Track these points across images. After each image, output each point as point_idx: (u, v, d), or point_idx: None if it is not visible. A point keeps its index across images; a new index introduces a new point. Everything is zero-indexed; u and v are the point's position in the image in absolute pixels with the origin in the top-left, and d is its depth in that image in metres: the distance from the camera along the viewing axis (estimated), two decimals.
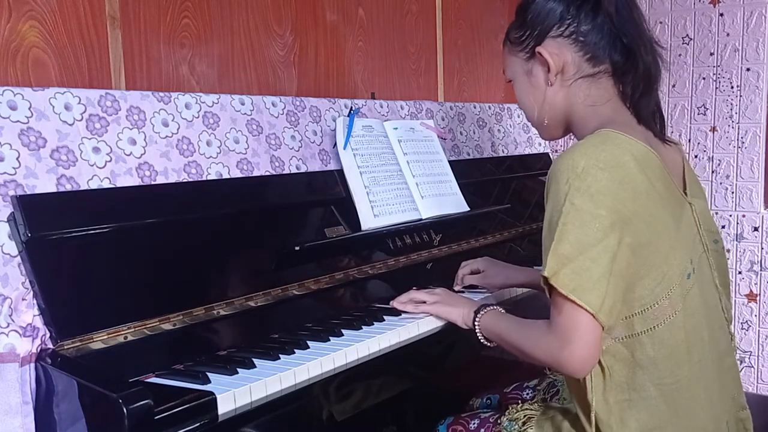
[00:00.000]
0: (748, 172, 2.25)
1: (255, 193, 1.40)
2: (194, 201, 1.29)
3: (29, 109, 1.12)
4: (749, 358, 2.29)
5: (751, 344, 2.29)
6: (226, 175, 1.37)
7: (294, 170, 1.50)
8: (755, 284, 2.27)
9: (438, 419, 1.34)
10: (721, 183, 2.30)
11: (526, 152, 2.27)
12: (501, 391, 1.46)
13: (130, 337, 1.09)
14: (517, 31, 1.16)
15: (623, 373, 1.02)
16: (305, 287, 1.37)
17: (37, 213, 1.06)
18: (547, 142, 2.39)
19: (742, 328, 2.29)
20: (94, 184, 1.17)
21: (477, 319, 1.20)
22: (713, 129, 2.30)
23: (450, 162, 1.80)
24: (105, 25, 1.38)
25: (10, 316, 1.01)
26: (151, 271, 1.18)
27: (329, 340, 1.21)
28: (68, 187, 1.13)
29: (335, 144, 1.58)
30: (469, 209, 1.75)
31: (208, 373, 1.03)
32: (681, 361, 1.02)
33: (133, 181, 1.22)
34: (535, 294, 1.52)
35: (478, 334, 1.21)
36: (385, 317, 1.33)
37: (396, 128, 1.72)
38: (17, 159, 1.09)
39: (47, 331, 1.04)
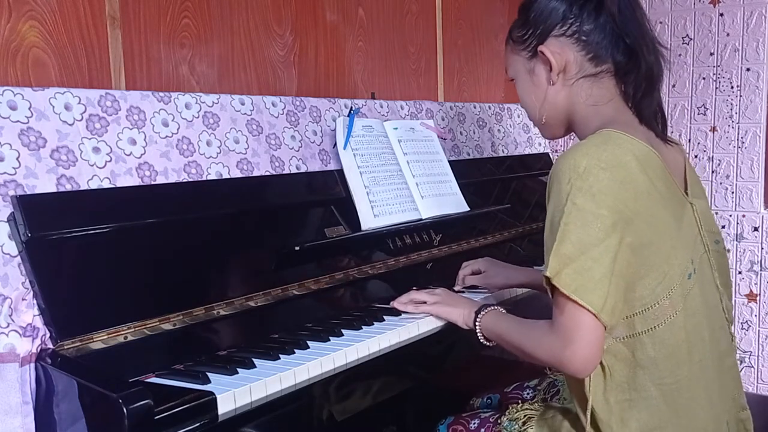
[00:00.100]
0: (748, 172, 2.25)
1: (255, 193, 1.40)
2: (194, 201, 1.29)
3: (29, 109, 1.12)
4: (749, 358, 2.29)
5: (751, 344, 2.29)
6: (226, 175, 1.37)
7: (294, 170, 1.50)
8: (755, 284, 2.27)
9: (438, 419, 1.34)
10: (721, 183, 2.30)
11: (526, 152, 2.27)
12: (501, 390, 1.46)
13: (130, 337, 1.09)
14: (519, 29, 1.16)
15: (624, 372, 1.02)
16: (305, 287, 1.37)
17: (37, 213, 1.06)
18: (547, 142, 2.39)
19: (742, 328, 2.29)
20: (94, 184, 1.17)
21: (478, 320, 1.20)
22: (713, 129, 2.30)
23: (450, 162, 1.80)
24: (105, 25, 1.38)
25: (10, 316, 1.01)
26: (151, 271, 1.18)
27: (329, 340, 1.21)
28: (68, 187, 1.13)
29: (335, 144, 1.58)
30: (469, 209, 1.75)
31: (208, 373, 1.03)
32: (681, 361, 1.02)
33: (133, 181, 1.22)
34: (535, 294, 1.52)
35: (478, 335, 1.20)
36: (385, 317, 1.33)
37: (396, 128, 1.72)
38: (17, 159, 1.09)
39: (47, 331, 1.04)
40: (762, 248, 2.25)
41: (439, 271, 1.64)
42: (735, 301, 2.29)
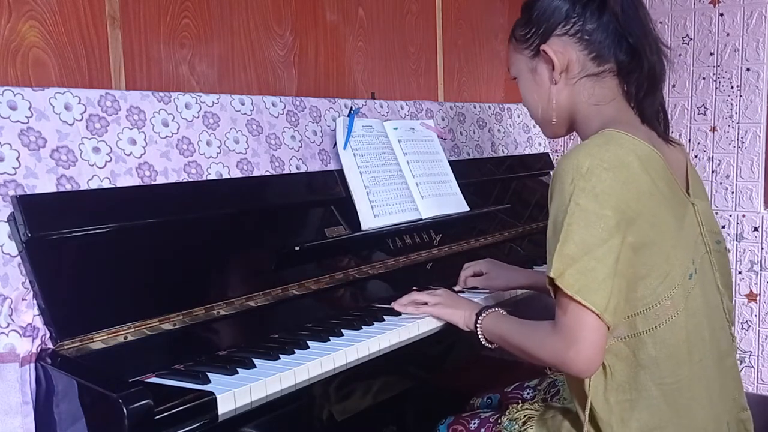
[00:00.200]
0: (748, 172, 2.25)
1: (255, 193, 1.40)
2: (194, 201, 1.29)
3: (29, 109, 1.12)
4: (749, 358, 2.29)
5: (751, 344, 2.29)
6: (226, 175, 1.37)
7: (294, 170, 1.50)
8: (755, 284, 2.27)
9: (438, 419, 1.34)
10: (721, 183, 2.30)
11: (526, 152, 2.27)
12: (501, 390, 1.46)
13: (130, 337, 1.09)
14: (522, 28, 1.16)
15: (625, 372, 1.02)
16: (305, 287, 1.37)
17: (37, 213, 1.06)
18: (547, 142, 2.39)
19: (742, 328, 2.29)
20: (94, 184, 1.16)
21: (479, 322, 1.20)
22: (713, 129, 2.30)
23: (450, 162, 1.80)
24: (105, 25, 1.38)
25: (10, 316, 1.01)
26: (151, 271, 1.18)
27: (329, 340, 1.21)
28: (68, 187, 1.13)
29: (335, 144, 1.58)
30: (469, 209, 1.75)
31: (208, 373, 1.03)
32: (682, 361, 1.02)
33: (133, 181, 1.22)
34: (536, 294, 1.52)
35: (480, 337, 1.20)
36: (385, 317, 1.33)
37: (396, 128, 1.72)
38: (17, 159, 1.09)
39: (47, 331, 1.03)
40: (762, 248, 2.25)
41: (439, 271, 1.64)
42: (735, 301, 2.29)
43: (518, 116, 2.29)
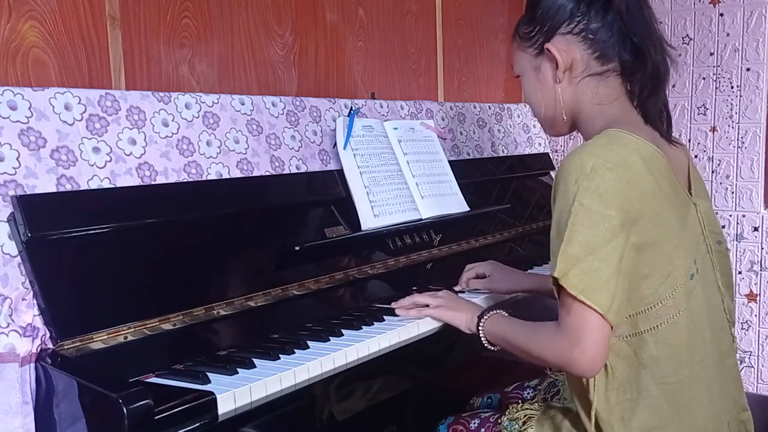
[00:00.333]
0: (748, 172, 2.25)
1: (255, 193, 1.40)
2: (194, 201, 1.29)
3: (29, 109, 1.12)
4: (749, 358, 2.29)
5: (751, 344, 2.29)
6: (226, 175, 1.37)
7: (294, 170, 1.50)
8: (755, 284, 2.27)
9: (438, 419, 1.34)
10: (721, 183, 2.30)
11: (526, 152, 2.27)
12: (502, 390, 1.46)
13: (130, 337, 1.09)
14: (526, 26, 1.15)
15: (626, 372, 1.02)
16: (305, 287, 1.37)
17: (37, 213, 1.06)
18: (546, 142, 2.39)
19: (742, 328, 2.29)
20: (94, 184, 1.16)
21: (480, 325, 1.20)
22: (713, 129, 2.30)
23: (450, 162, 1.80)
24: (105, 25, 1.38)
25: (10, 316, 1.01)
26: (151, 271, 1.18)
27: (329, 340, 1.21)
28: (68, 187, 1.13)
29: (335, 144, 1.58)
30: (469, 209, 1.75)
31: (208, 373, 1.03)
32: (683, 360, 1.02)
33: (133, 181, 1.22)
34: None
35: (482, 339, 1.20)
36: (385, 317, 1.33)
37: (396, 128, 1.72)
38: (17, 159, 1.09)
39: (47, 331, 1.03)
40: (762, 248, 2.25)
41: (439, 271, 1.64)
42: (735, 301, 2.29)
43: (518, 116, 2.29)
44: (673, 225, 1.02)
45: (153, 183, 1.24)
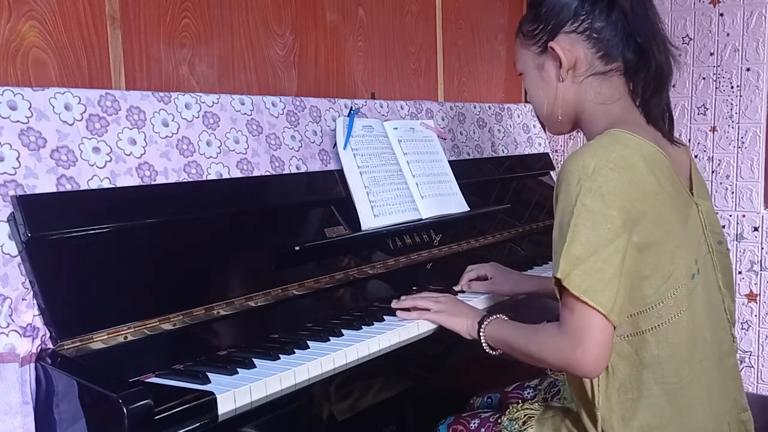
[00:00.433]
0: (748, 172, 2.25)
1: (255, 193, 1.40)
2: (194, 201, 1.29)
3: (29, 109, 1.12)
4: (749, 358, 2.29)
5: (751, 344, 2.29)
6: (226, 175, 1.37)
7: (294, 170, 1.50)
8: (755, 284, 2.27)
9: (438, 419, 1.34)
10: (721, 183, 2.30)
11: (526, 152, 2.27)
12: (502, 390, 1.46)
13: (130, 337, 1.09)
14: (530, 24, 1.15)
15: (627, 371, 1.02)
16: (305, 287, 1.37)
17: (37, 213, 1.06)
18: (547, 142, 2.39)
19: (742, 328, 2.29)
20: (94, 184, 1.16)
21: (481, 330, 1.19)
22: (713, 129, 2.30)
23: (450, 162, 1.80)
24: (105, 25, 1.38)
25: (10, 316, 1.01)
26: (151, 271, 1.18)
27: (329, 340, 1.21)
28: (68, 187, 1.13)
29: (335, 144, 1.58)
30: (469, 209, 1.75)
31: (208, 373, 1.03)
32: (684, 360, 1.02)
33: (133, 181, 1.22)
34: None
35: (483, 345, 1.19)
36: (385, 317, 1.33)
37: (396, 128, 1.72)
38: (17, 159, 1.09)
39: (47, 331, 1.03)
40: (762, 248, 2.25)
41: (439, 271, 1.64)
42: (735, 301, 2.29)
43: (518, 116, 2.29)
44: (675, 225, 1.02)
45: (153, 183, 1.24)
